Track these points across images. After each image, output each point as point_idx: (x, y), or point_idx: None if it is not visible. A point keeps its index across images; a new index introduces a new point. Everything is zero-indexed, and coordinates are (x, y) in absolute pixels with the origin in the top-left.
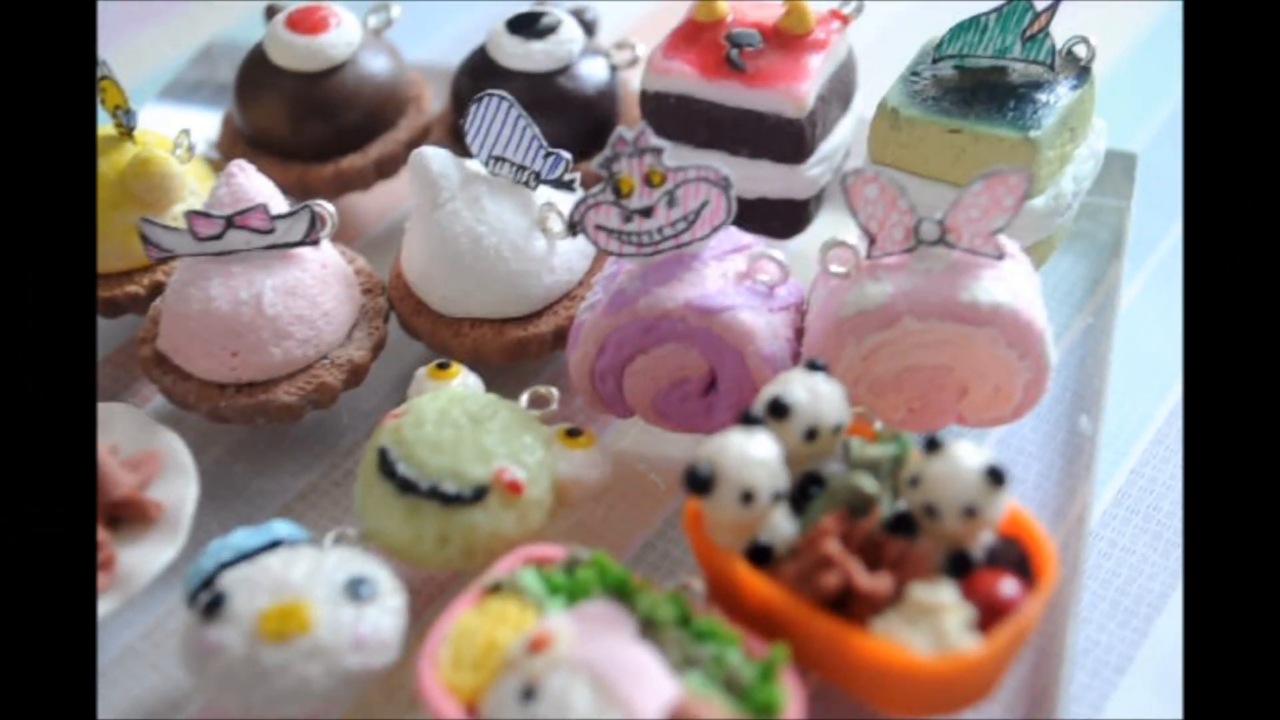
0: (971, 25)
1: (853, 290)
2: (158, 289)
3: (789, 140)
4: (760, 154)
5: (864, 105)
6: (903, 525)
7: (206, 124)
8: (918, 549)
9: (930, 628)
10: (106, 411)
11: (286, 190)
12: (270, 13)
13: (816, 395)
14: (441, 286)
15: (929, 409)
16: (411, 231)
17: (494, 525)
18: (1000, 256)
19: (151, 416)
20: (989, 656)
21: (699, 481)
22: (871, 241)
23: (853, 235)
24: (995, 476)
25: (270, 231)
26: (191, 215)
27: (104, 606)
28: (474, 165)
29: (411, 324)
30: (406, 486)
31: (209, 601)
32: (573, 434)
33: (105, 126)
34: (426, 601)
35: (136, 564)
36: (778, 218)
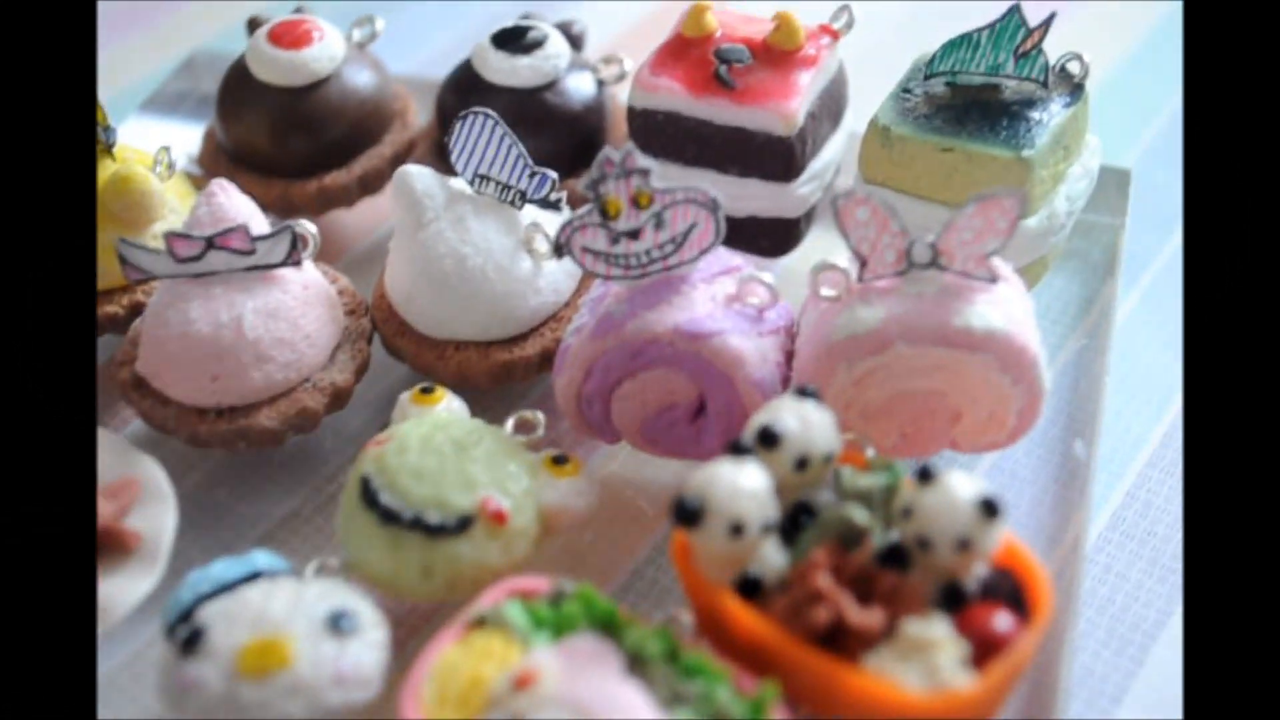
0: (964, 42)
1: (844, 314)
2: (137, 309)
3: (778, 158)
4: (749, 172)
5: (854, 120)
6: (895, 558)
7: (189, 137)
8: (910, 582)
9: (923, 664)
10: None
11: (269, 207)
12: (252, 26)
13: (807, 423)
14: (425, 308)
15: (921, 435)
16: (395, 252)
17: (479, 556)
18: (993, 280)
19: (130, 440)
20: (983, 694)
21: (687, 513)
22: (863, 264)
23: (843, 256)
24: (989, 508)
25: (251, 253)
26: (171, 236)
27: None
28: (459, 184)
29: (395, 346)
30: (389, 517)
31: (187, 636)
32: (559, 461)
33: None
34: (410, 632)
35: (114, 595)
36: (767, 236)
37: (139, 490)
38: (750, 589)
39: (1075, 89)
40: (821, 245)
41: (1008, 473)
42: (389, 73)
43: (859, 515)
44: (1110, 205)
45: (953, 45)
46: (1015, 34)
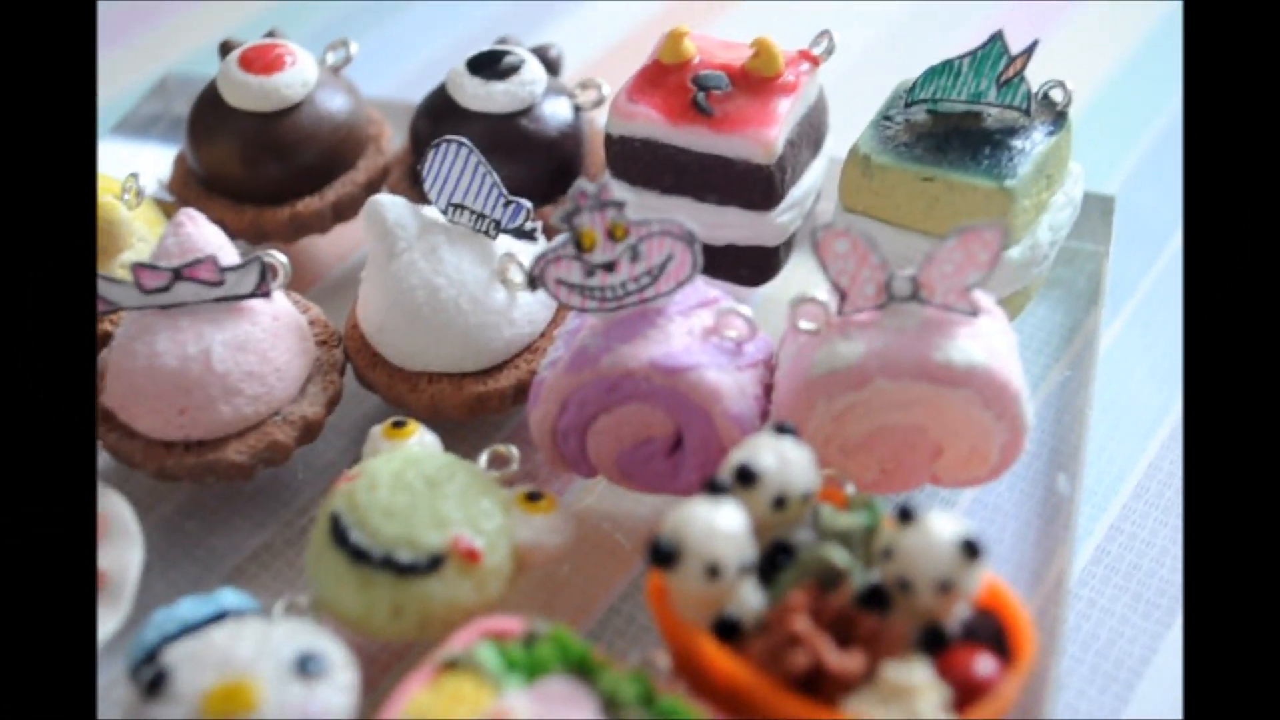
0: (945, 69)
1: (823, 349)
2: (103, 340)
3: (758, 186)
4: (728, 200)
5: (834, 145)
6: (875, 600)
7: (161, 160)
8: (891, 624)
9: (904, 709)
10: None
11: (240, 234)
12: (225, 49)
13: (785, 461)
14: (398, 340)
15: (902, 470)
16: (367, 282)
17: (450, 595)
18: (975, 313)
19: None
20: None
21: (663, 555)
22: (842, 297)
23: (823, 286)
24: (971, 549)
25: (220, 284)
26: (138, 267)
27: None
28: (432, 213)
29: (368, 377)
30: (359, 555)
31: (151, 678)
32: (533, 498)
33: None
34: (382, 670)
35: None
36: (746, 265)
37: (104, 527)
38: (728, 631)
39: (1058, 117)
40: (801, 273)
41: (990, 507)
42: (363, 97)
43: (838, 557)
44: (1094, 232)
45: (934, 72)
46: (997, 61)
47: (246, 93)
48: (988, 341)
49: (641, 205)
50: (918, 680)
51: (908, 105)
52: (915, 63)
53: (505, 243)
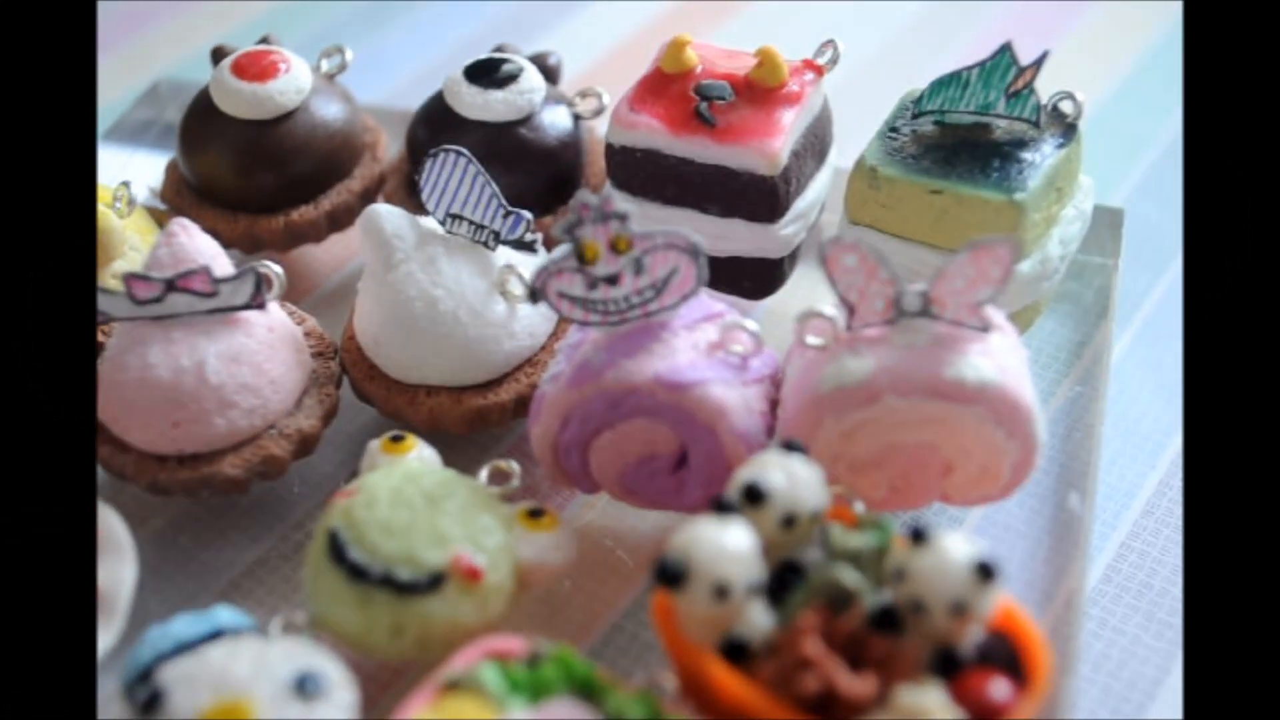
0: (953, 80)
1: (831, 365)
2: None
3: (761, 198)
4: (731, 212)
5: (837, 154)
6: (888, 622)
7: (152, 167)
8: (903, 646)
9: None
10: None
11: (234, 243)
12: (217, 55)
13: (794, 480)
14: (396, 352)
15: (912, 488)
16: (364, 293)
17: (451, 615)
18: (986, 329)
19: None
20: None
21: (670, 575)
22: (851, 312)
23: (829, 300)
24: (985, 571)
25: (213, 295)
26: (130, 278)
27: None
28: (430, 223)
29: (365, 390)
30: (357, 573)
31: (146, 698)
32: (535, 515)
33: None
34: (381, 688)
35: None
36: (750, 277)
37: (96, 542)
38: (736, 653)
39: (1068, 129)
40: (805, 286)
41: (1000, 525)
42: (358, 104)
43: (849, 577)
44: (1102, 245)
45: (942, 83)
46: (1006, 72)
47: (240, 100)
48: (999, 358)
49: (643, 216)
50: (931, 703)
51: (915, 116)
52: (916, 73)
53: (504, 254)
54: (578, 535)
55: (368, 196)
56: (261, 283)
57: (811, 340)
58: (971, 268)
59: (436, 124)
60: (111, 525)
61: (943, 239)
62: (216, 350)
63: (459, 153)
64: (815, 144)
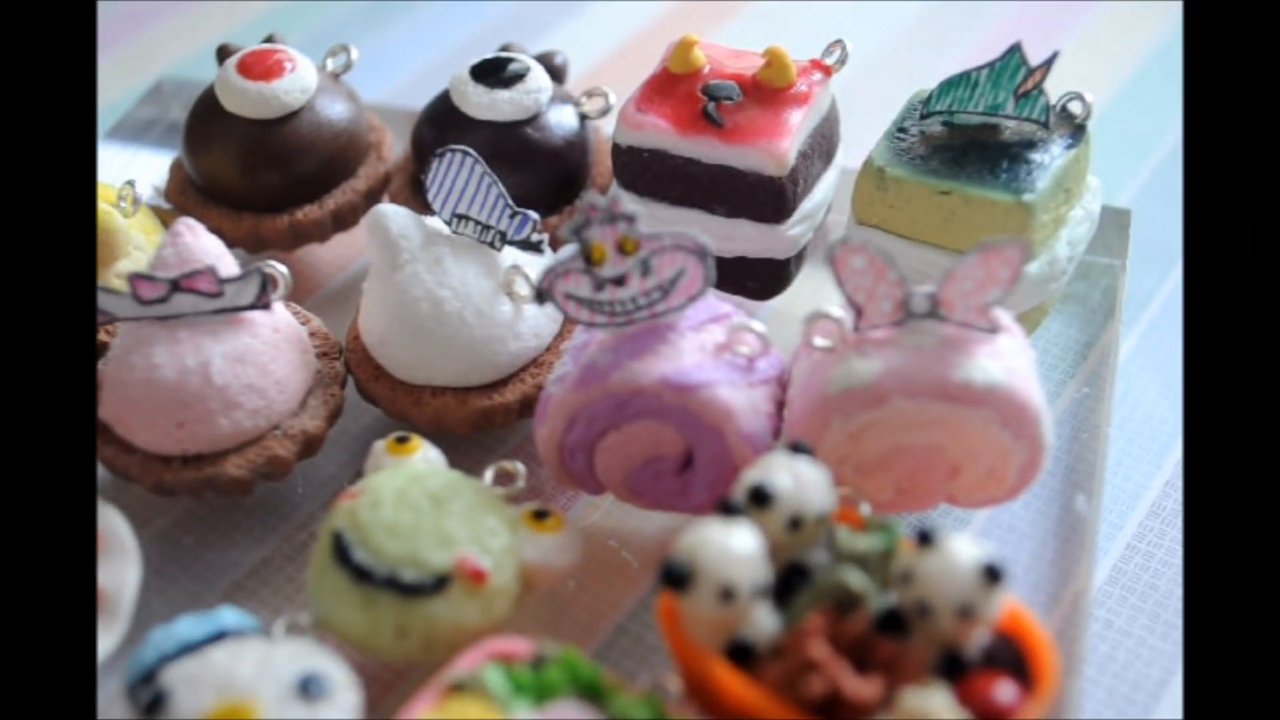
0: (962, 81)
1: (838, 366)
2: (100, 351)
3: (769, 199)
4: (738, 212)
5: (844, 155)
6: (894, 624)
7: (156, 165)
8: (909, 649)
9: None
10: None
11: (238, 242)
12: (222, 54)
13: (801, 482)
14: (401, 353)
15: (918, 489)
16: (369, 294)
17: (456, 616)
18: (994, 330)
19: None
20: None
21: (675, 577)
22: (859, 314)
23: (836, 301)
24: (992, 574)
25: (219, 295)
26: (135, 278)
27: None
28: (435, 223)
29: (369, 391)
30: (362, 574)
31: (150, 700)
32: (540, 516)
33: None
34: (385, 689)
35: None
36: (756, 278)
37: (100, 543)
38: (741, 655)
39: (1077, 130)
40: (810, 287)
41: (1005, 526)
42: (363, 103)
43: (855, 580)
44: (1109, 246)
45: (950, 84)
46: (1015, 73)
47: (245, 99)
48: (1008, 360)
49: (649, 217)
50: (937, 706)
51: (923, 117)
52: (919, 74)
53: (510, 254)
54: (583, 536)
55: (373, 196)
56: (267, 283)
57: (819, 342)
58: (980, 269)
59: (442, 123)
60: (115, 526)
61: (951, 240)
62: (222, 351)
63: (465, 152)
64: (823, 144)
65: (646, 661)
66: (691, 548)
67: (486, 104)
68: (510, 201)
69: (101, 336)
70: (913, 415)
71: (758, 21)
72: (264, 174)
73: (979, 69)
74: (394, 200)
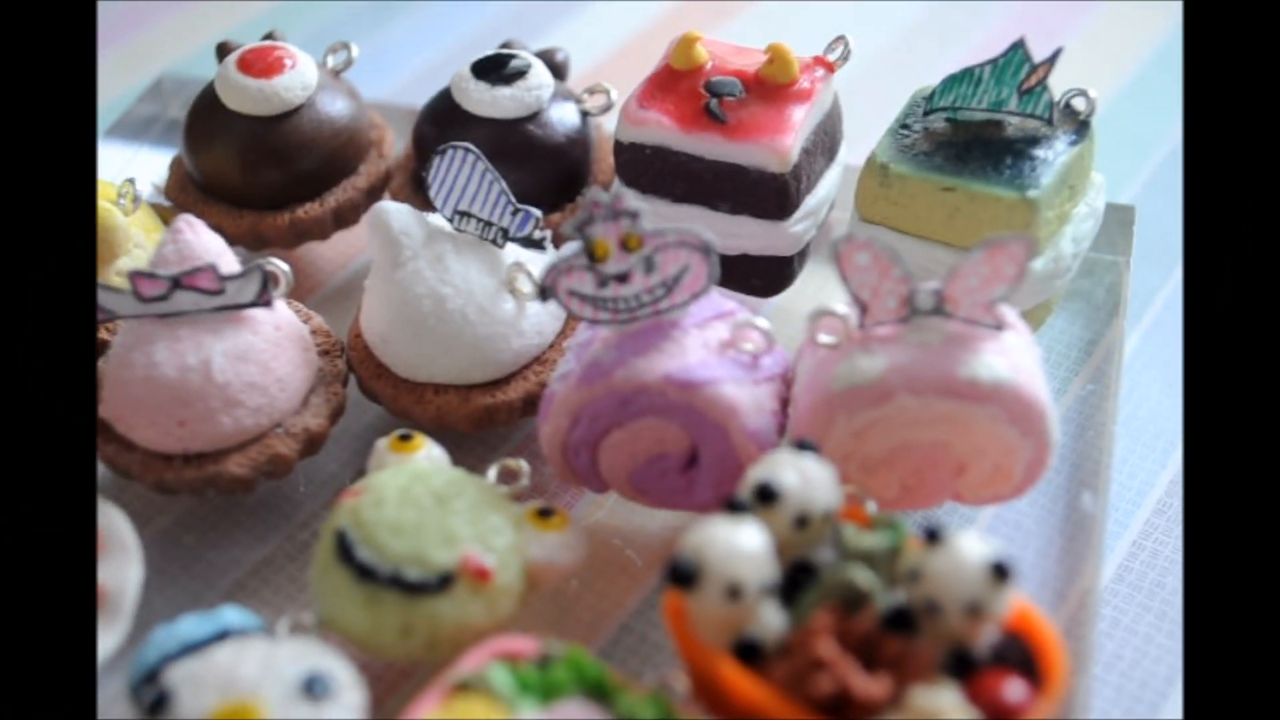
0: (965, 77)
1: (843, 363)
2: (100, 349)
3: (772, 195)
4: (741, 209)
5: (846, 153)
6: (902, 622)
7: (156, 163)
8: (917, 647)
9: None
10: None
11: (239, 240)
12: (222, 51)
13: (807, 479)
14: (403, 350)
15: (924, 487)
16: (371, 291)
17: (461, 615)
18: (1000, 327)
19: None
20: None
21: (682, 575)
22: (864, 311)
23: (840, 297)
24: (1000, 572)
25: (220, 292)
26: (135, 275)
27: None
28: (437, 220)
29: (372, 388)
30: (365, 573)
31: (153, 700)
32: (545, 514)
33: None
34: (389, 688)
35: None
36: (759, 275)
37: (101, 543)
38: (749, 653)
39: (1081, 126)
40: (813, 284)
41: (1011, 524)
42: (364, 100)
43: (862, 578)
44: (1113, 243)
45: (954, 80)
46: (1019, 69)
47: (245, 96)
48: (1013, 357)
49: (651, 214)
50: (946, 705)
51: (926, 113)
52: (919, 71)
53: (513, 251)
54: (587, 535)
55: (373, 193)
56: (268, 280)
57: (823, 338)
58: (986, 265)
59: (444, 120)
60: (117, 525)
61: (954, 237)
62: (223, 348)
63: (467, 149)
64: (825, 141)
65: (651, 660)
66: (698, 545)
67: (488, 101)
68: (513, 198)
69: (102, 334)
70: (918, 412)
71: (758, 20)
72: (265, 171)
73: (982, 65)
74: (395, 198)
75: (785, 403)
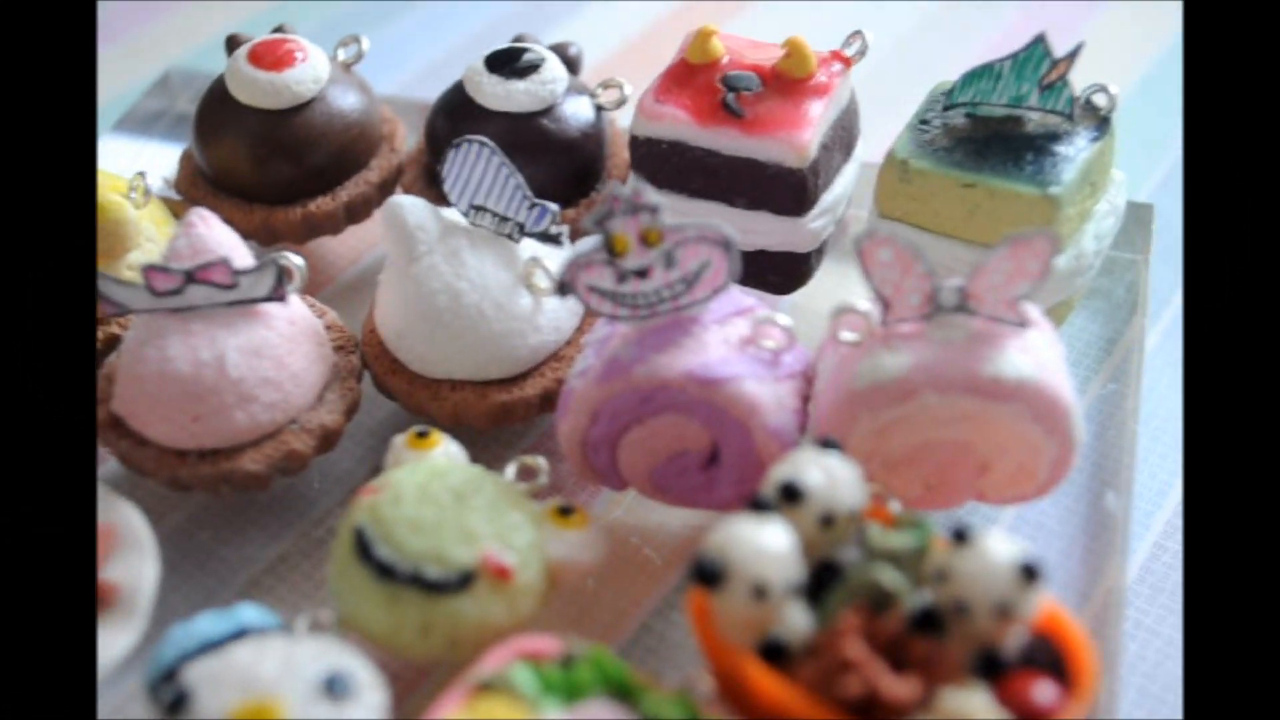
0: (985, 72)
1: (866, 360)
2: (113, 343)
3: (790, 191)
4: (759, 205)
5: (862, 149)
6: (930, 623)
7: (164, 157)
8: (945, 648)
9: None
10: None
11: (250, 235)
12: (231, 44)
13: (832, 478)
14: (419, 346)
15: (947, 486)
16: (386, 286)
17: (481, 614)
18: (1023, 325)
19: (107, 481)
20: None
21: (708, 575)
22: (886, 308)
23: (859, 294)
24: (1029, 573)
25: (233, 287)
26: (149, 269)
27: None
28: (453, 215)
29: (387, 384)
30: (385, 571)
31: (172, 699)
32: (565, 512)
33: None
34: (408, 688)
35: None
36: (776, 272)
37: (116, 539)
38: (775, 654)
39: (1102, 122)
40: (830, 281)
41: (1034, 524)
42: (375, 94)
43: (889, 578)
44: (1132, 241)
45: (974, 75)
46: (1039, 64)
47: (256, 89)
48: (1038, 355)
49: (668, 209)
50: (976, 706)
51: (946, 109)
52: (933, 68)
53: (529, 246)
54: (607, 533)
55: (386, 188)
56: (282, 275)
57: (846, 335)
58: (1009, 262)
59: (457, 114)
60: (132, 522)
61: (975, 233)
62: (237, 343)
63: (482, 143)
64: (843, 136)
65: (671, 660)
66: (723, 545)
67: (502, 94)
68: (529, 193)
69: (114, 329)
70: (942, 410)
71: (772, 15)
72: (276, 165)
73: (1002, 60)
74: (407, 191)
75: (806, 400)
